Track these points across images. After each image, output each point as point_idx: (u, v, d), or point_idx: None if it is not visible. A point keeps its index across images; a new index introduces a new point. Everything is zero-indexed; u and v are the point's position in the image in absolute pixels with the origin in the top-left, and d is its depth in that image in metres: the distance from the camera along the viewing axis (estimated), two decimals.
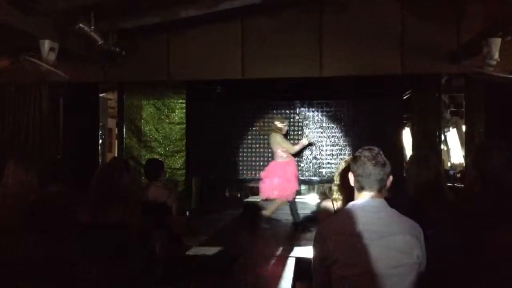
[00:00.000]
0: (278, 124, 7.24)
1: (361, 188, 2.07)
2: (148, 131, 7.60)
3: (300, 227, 6.91)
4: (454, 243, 1.96)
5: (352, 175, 2.13)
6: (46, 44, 4.70)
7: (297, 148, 7.36)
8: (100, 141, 8.76)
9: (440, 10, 5.56)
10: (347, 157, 2.98)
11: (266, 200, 7.37)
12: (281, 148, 7.14)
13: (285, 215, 7.61)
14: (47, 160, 5.83)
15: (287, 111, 9.35)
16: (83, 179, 3.50)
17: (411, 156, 3.07)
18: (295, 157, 7.70)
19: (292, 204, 7.09)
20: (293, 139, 9.16)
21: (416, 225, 2.03)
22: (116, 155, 9.22)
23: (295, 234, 6.77)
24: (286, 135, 7.46)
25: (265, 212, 7.11)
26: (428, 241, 2.02)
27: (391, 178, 2.09)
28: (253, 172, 9.71)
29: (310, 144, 8.18)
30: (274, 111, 8.74)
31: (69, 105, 6.72)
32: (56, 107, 6.55)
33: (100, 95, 8.19)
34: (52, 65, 4.74)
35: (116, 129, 8.52)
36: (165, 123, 7.60)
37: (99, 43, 5.06)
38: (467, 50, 5.29)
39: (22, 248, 2.74)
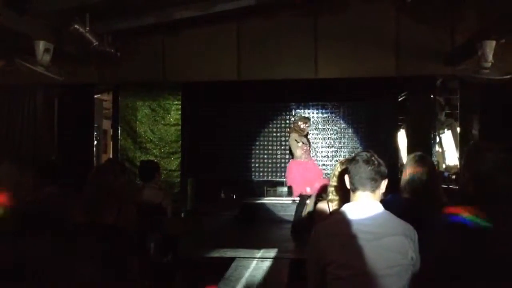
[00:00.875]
0: (302, 125, 7.10)
1: (355, 189, 2.10)
2: (143, 133, 7.58)
3: (297, 228, 6.89)
4: (447, 245, 1.97)
5: (347, 177, 2.15)
6: (41, 45, 4.69)
7: (298, 153, 7.17)
8: (95, 142, 8.74)
9: (435, 13, 5.58)
10: (342, 159, 2.98)
11: (298, 196, 7.23)
12: (299, 149, 6.99)
13: (289, 217, 7.61)
14: (41, 161, 5.81)
15: (283, 113, 9.38)
16: (78, 180, 3.49)
17: (407, 158, 3.08)
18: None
19: (301, 206, 7.02)
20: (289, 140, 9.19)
21: (410, 226, 2.05)
22: (111, 156, 9.20)
23: (290, 235, 6.77)
24: (307, 135, 7.30)
25: (296, 222, 6.95)
26: (422, 242, 2.03)
27: (386, 181, 2.11)
28: (248, 173, 9.73)
29: None
30: (301, 114, 8.70)
31: (63, 106, 6.71)
32: (50, 108, 6.53)
33: (95, 96, 8.17)
34: (47, 66, 4.73)
35: (111, 130, 8.51)
36: (161, 124, 7.59)
37: (94, 44, 5.06)
38: (461, 52, 5.32)
39: (16, 249, 2.73)
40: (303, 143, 6.99)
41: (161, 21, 5.45)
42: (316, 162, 9.29)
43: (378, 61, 5.72)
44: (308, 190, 6.81)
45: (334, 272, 1.97)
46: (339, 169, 2.89)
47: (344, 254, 1.96)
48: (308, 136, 7.92)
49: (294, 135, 7.03)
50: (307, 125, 7.12)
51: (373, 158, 2.09)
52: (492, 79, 4.75)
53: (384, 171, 2.10)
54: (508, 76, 4.73)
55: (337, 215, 2.13)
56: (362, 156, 2.10)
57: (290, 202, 8.10)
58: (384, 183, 2.11)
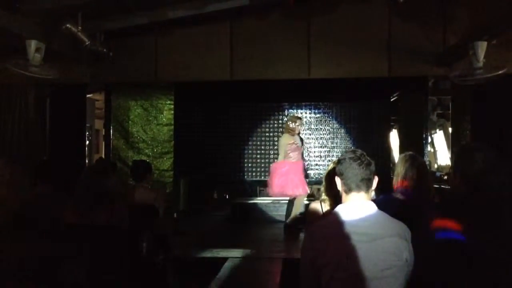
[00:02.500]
0: (291, 124, 7.07)
1: (349, 190, 2.07)
2: (135, 132, 7.55)
3: (290, 228, 6.91)
4: (440, 245, 1.98)
5: (338, 179, 2.14)
6: (33, 44, 4.65)
7: (281, 155, 7.15)
8: (87, 142, 8.70)
9: (427, 14, 5.62)
10: (336, 159, 2.99)
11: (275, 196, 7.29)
12: (288, 149, 6.99)
13: (281, 217, 7.64)
14: (33, 161, 5.77)
15: (275, 113, 9.39)
16: (70, 180, 3.47)
17: (399, 157, 3.09)
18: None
19: (291, 204, 7.04)
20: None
21: (404, 226, 2.05)
22: (103, 156, 9.16)
23: (284, 235, 6.78)
24: (299, 134, 7.26)
25: (289, 222, 7.00)
26: (415, 241, 2.04)
27: (376, 178, 2.10)
28: (241, 173, 9.73)
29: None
30: (283, 112, 8.68)
31: (55, 106, 6.67)
32: (42, 107, 6.49)
33: (87, 96, 8.13)
34: (39, 65, 4.69)
35: (103, 130, 8.47)
36: (153, 124, 7.55)
37: (86, 43, 5.03)
38: (453, 53, 5.35)
39: (8, 249, 2.71)
40: (293, 143, 6.95)
41: (154, 20, 5.44)
42: (307, 164, 9.36)
43: (371, 61, 5.74)
44: (290, 192, 6.86)
45: (329, 274, 1.95)
46: (331, 169, 2.89)
47: (340, 256, 1.95)
48: (301, 136, 7.91)
49: (285, 135, 7.03)
50: (297, 124, 7.05)
51: (363, 157, 2.07)
52: (483, 78, 4.77)
53: (374, 168, 2.09)
54: (500, 72, 4.75)
55: (332, 216, 2.11)
56: (352, 157, 2.07)
57: (283, 202, 8.12)
58: (375, 181, 2.11)
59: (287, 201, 7.07)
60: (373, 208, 2.05)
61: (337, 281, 1.95)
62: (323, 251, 1.98)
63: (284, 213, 7.26)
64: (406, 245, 2.00)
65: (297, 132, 7.05)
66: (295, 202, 6.93)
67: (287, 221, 6.96)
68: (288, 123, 7.05)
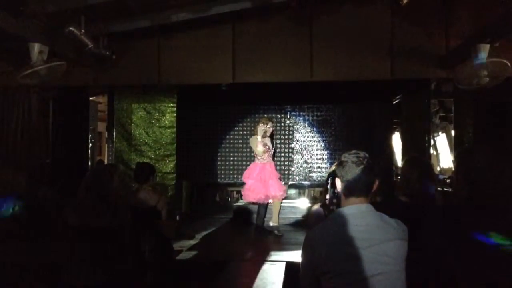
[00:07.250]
0: (262, 126, 7.08)
1: (350, 194, 2.05)
2: (138, 135, 7.56)
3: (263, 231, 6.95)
4: (442, 246, 1.98)
5: (339, 181, 2.11)
6: (36, 47, 4.67)
7: (259, 149, 7.09)
8: (90, 144, 8.72)
9: (429, 16, 5.62)
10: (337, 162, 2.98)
11: (254, 203, 7.29)
12: (259, 147, 6.98)
13: (283, 220, 7.64)
14: (36, 163, 5.79)
15: (278, 116, 9.39)
16: (73, 183, 3.48)
17: (403, 159, 3.10)
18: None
19: (262, 208, 7.04)
20: (284, 143, 9.21)
21: (404, 226, 2.03)
22: (106, 158, 9.18)
23: (286, 239, 6.77)
24: (272, 137, 7.26)
25: (272, 223, 7.01)
26: (419, 243, 2.03)
27: (377, 182, 2.08)
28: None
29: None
30: (265, 115, 8.68)
31: (58, 109, 6.68)
32: (45, 110, 6.50)
33: (90, 98, 8.16)
34: (44, 65, 4.70)
35: (106, 132, 8.49)
36: (156, 127, 7.57)
37: (89, 46, 5.04)
38: (455, 56, 5.35)
39: (11, 252, 2.72)
40: (265, 144, 6.98)
41: (156, 24, 5.46)
42: (308, 165, 9.36)
43: (373, 64, 5.73)
44: (262, 197, 6.86)
45: (330, 281, 1.94)
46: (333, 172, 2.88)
47: (340, 262, 1.93)
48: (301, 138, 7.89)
49: (254, 137, 7.04)
50: (268, 126, 7.08)
51: (366, 161, 2.04)
52: (485, 81, 4.77)
53: (376, 171, 2.07)
54: (503, 74, 4.74)
55: (331, 221, 2.08)
56: (355, 161, 2.04)
57: (286, 205, 8.13)
58: (375, 184, 2.08)
59: (258, 205, 7.07)
60: (373, 212, 2.03)
61: (337, 286, 1.93)
62: (323, 257, 1.96)
63: (287, 216, 7.26)
64: (406, 246, 1.99)
65: (268, 134, 7.09)
66: (275, 203, 6.96)
67: (259, 224, 6.99)
68: (260, 124, 7.09)
